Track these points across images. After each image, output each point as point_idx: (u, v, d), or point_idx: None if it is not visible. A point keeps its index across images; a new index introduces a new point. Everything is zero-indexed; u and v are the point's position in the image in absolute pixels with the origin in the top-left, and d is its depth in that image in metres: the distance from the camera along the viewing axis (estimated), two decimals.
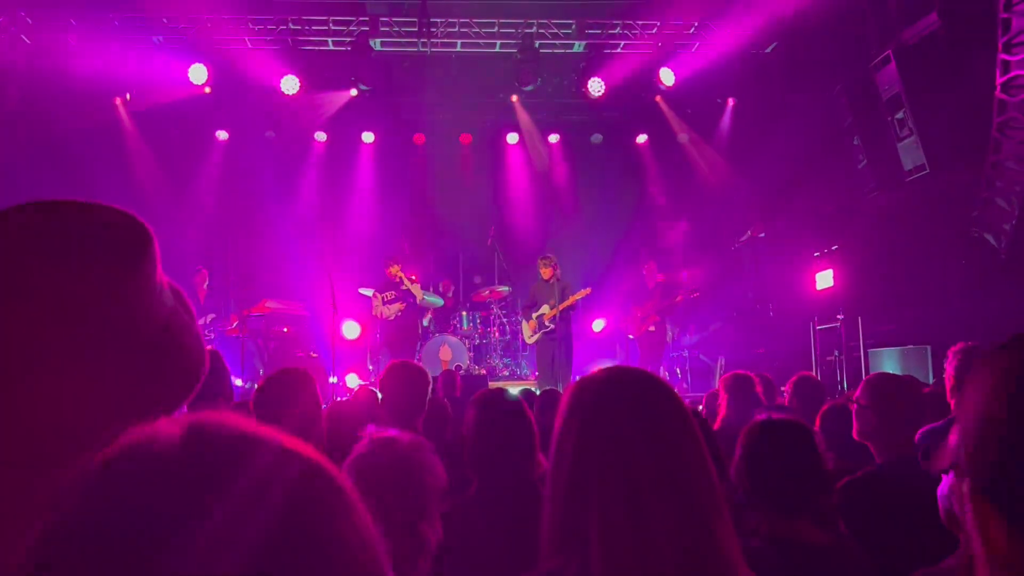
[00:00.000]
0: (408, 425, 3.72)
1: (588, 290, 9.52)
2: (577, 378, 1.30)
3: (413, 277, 10.17)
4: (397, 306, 9.92)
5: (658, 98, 11.61)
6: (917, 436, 2.40)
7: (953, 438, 0.83)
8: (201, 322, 10.59)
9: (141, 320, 0.88)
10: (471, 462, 2.51)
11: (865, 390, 2.96)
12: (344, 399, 7.21)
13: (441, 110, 12.02)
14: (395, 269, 9.91)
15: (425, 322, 11.46)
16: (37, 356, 0.82)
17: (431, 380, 4.05)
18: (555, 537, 1.19)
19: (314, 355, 11.23)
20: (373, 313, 10.07)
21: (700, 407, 5.81)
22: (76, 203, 0.89)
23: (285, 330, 10.47)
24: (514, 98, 11.65)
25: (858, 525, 2.58)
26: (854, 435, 3.03)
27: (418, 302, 10.12)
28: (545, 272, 9.54)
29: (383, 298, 9.90)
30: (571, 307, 9.58)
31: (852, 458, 3.30)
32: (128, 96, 10.79)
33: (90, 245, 0.86)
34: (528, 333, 9.85)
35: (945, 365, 3.60)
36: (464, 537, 2.30)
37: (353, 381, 10.68)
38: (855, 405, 2.96)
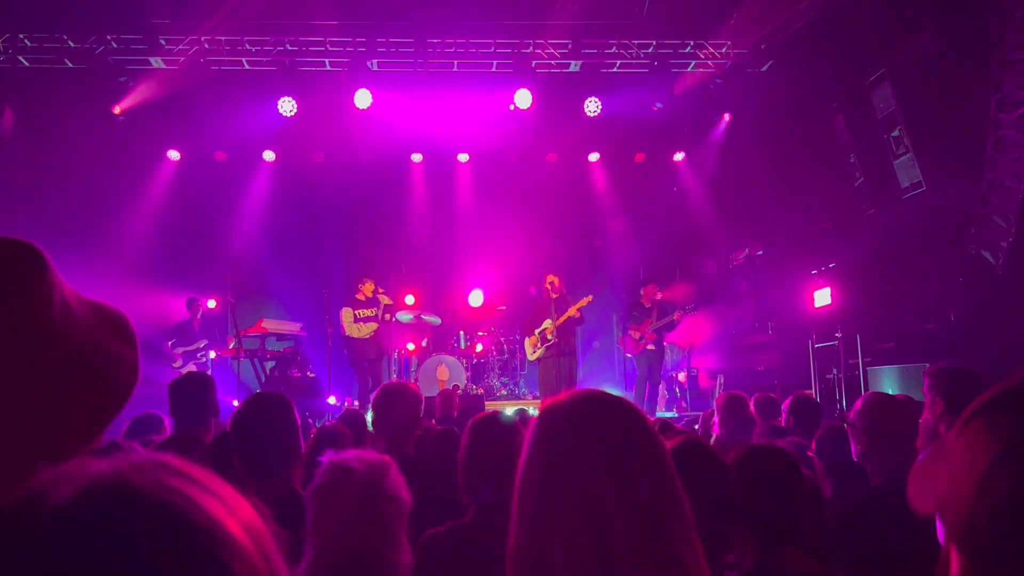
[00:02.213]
0: (401, 447, 3.68)
1: (590, 297, 9.28)
2: (546, 402, 1.27)
3: (382, 290, 10.04)
4: (372, 326, 9.82)
5: (655, 107, 11.60)
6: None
7: (942, 489, 0.80)
8: (197, 346, 10.59)
9: (40, 347, 0.85)
10: (467, 487, 2.47)
11: (858, 411, 2.91)
12: (330, 423, 7.17)
13: (439, 129, 12.02)
14: (368, 287, 9.80)
15: (424, 343, 11.41)
16: None
17: (424, 401, 4.01)
18: (519, 565, 1.16)
19: (312, 375, 11.18)
20: (344, 332, 9.87)
21: (696, 427, 5.76)
22: None
23: (282, 350, 10.45)
24: (512, 107, 11.53)
25: (853, 553, 2.53)
26: (853, 457, 2.97)
27: (387, 319, 10.02)
28: (549, 288, 9.48)
29: (356, 315, 9.79)
30: (577, 321, 9.46)
31: (852, 481, 3.22)
32: (119, 112, 10.78)
33: None
34: (530, 351, 9.68)
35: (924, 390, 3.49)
36: (461, 563, 2.27)
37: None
38: (850, 427, 2.91)
